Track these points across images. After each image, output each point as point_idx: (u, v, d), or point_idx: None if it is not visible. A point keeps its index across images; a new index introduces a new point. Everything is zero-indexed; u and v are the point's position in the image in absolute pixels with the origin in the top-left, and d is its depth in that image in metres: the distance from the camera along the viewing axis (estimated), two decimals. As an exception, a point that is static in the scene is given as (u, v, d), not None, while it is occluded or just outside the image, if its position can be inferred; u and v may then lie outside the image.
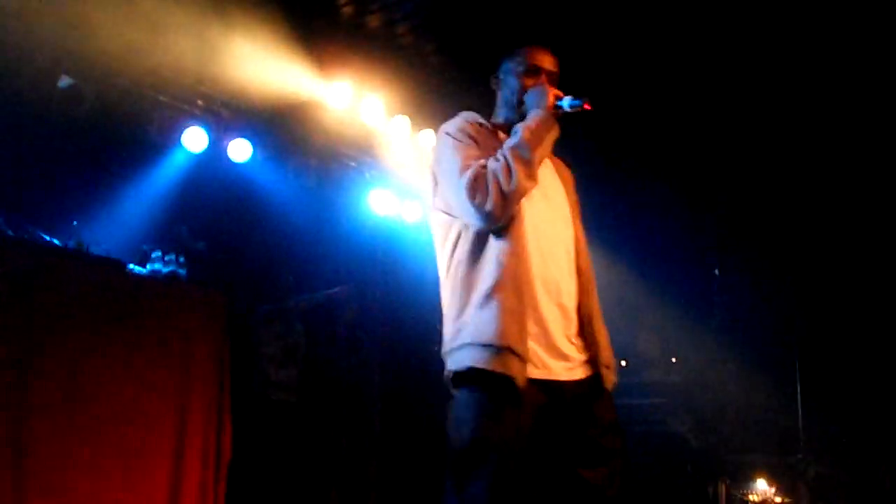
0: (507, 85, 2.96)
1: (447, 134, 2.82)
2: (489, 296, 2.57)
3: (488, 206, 2.54)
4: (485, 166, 2.61)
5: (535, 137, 2.67)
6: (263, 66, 5.97)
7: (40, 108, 5.21)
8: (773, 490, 6.66)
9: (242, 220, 6.63)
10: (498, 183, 2.56)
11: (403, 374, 7.71)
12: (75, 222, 5.14)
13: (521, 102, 2.88)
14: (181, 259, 5.51)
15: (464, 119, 2.87)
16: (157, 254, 5.43)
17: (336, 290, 6.67)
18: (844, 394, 6.77)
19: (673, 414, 8.02)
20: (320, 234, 7.02)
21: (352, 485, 6.95)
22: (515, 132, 2.70)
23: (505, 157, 2.61)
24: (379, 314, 7.66)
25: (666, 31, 6.12)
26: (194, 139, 6.01)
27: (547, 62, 2.97)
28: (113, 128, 5.68)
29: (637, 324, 8.18)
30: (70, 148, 5.56)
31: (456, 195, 2.63)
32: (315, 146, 6.80)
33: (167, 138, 5.92)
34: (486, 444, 2.51)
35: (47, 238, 4.93)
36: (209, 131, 6.10)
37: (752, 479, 6.82)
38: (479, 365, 2.53)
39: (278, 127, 6.53)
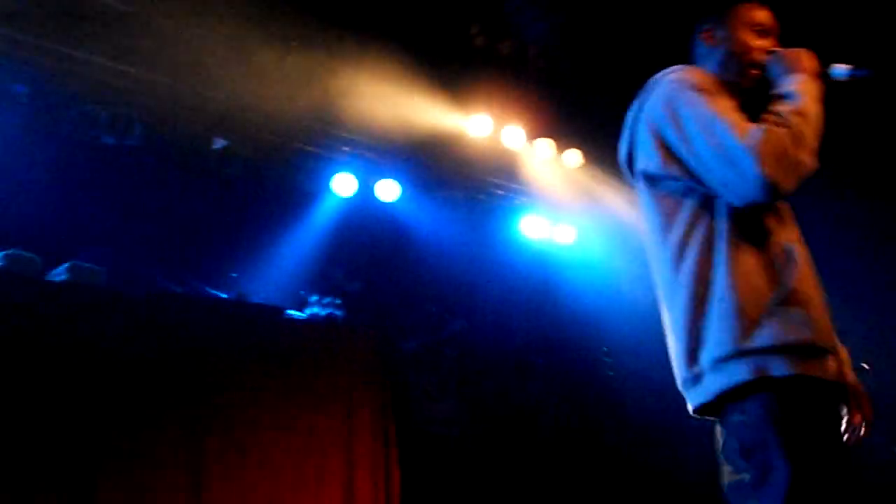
0: (731, 41, 2.43)
1: (691, 86, 2.22)
2: (796, 290, 2.11)
3: (782, 177, 2.03)
4: (773, 130, 2.08)
5: (819, 109, 2.21)
6: (401, 104, 6.10)
7: (197, 169, 5.54)
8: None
9: (395, 258, 6.75)
10: (794, 151, 2.06)
11: (578, 401, 7.55)
12: (234, 274, 5.40)
13: (751, 64, 2.39)
14: (338, 301, 5.66)
15: (699, 71, 2.34)
16: (314, 298, 5.61)
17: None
18: None
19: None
20: (475, 265, 7.03)
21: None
22: (793, 96, 2.20)
23: (796, 126, 2.10)
24: (547, 340, 7.56)
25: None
26: (343, 184, 6.21)
27: (774, 22, 2.49)
28: (265, 181, 5.96)
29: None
30: (227, 204, 5.87)
31: (728, 159, 2.06)
32: (461, 178, 6.84)
33: (317, 186, 6.15)
34: (834, 467, 2.04)
35: (210, 291, 5.20)
36: (357, 175, 6.28)
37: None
38: (808, 372, 2.04)
39: (423, 163, 6.63)
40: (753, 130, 2.07)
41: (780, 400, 2.02)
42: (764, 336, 2.05)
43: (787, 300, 2.09)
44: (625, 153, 2.41)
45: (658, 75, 2.37)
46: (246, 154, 5.82)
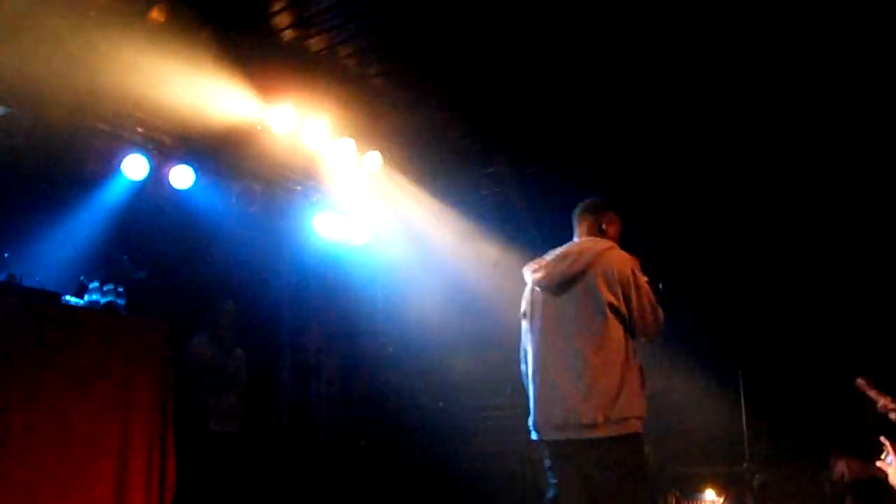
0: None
1: (639, 272, 3.97)
2: (643, 385, 3.85)
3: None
4: None
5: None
6: (204, 91, 5.93)
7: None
8: (721, 499, 6.79)
9: (185, 247, 6.55)
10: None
11: (358, 401, 7.66)
12: (6, 255, 5.04)
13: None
14: (120, 289, 5.42)
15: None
16: (94, 284, 5.34)
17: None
18: (785, 406, 6.92)
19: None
20: (266, 260, 6.96)
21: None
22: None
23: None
24: (337, 342, 7.61)
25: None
26: (134, 167, 5.94)
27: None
28: (49, 156, 5.59)
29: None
30: (5, 178, 5.45)
31: (656, 316, 3.93)
32: (259, 171, 6.75)
33: (106, 167, 5.84)
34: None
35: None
36: (150, 158, 6.04)
37: (700, 490, 6.93)
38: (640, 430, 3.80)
39: (221, 152, 6.48)
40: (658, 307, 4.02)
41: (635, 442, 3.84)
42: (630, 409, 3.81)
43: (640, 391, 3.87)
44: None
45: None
46: (29, 125, 5.42)
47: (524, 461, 6.91)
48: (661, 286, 4.08)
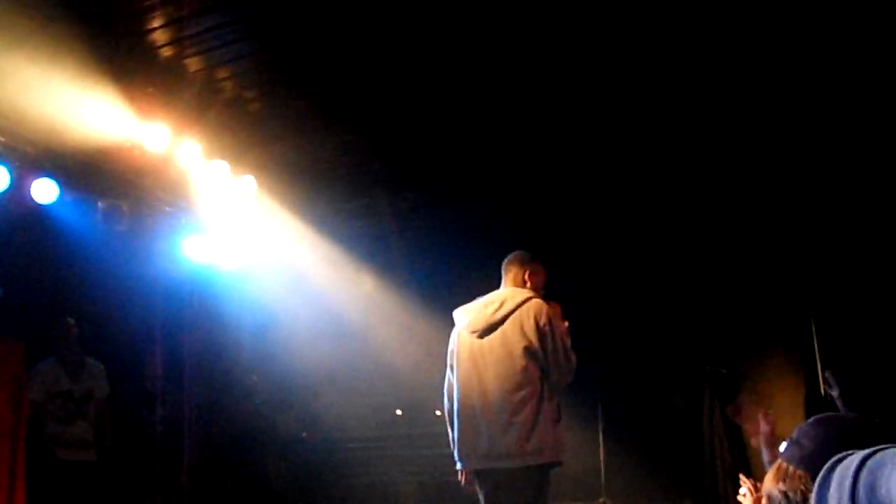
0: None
1: (556, 319, 4.49)
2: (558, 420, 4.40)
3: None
4: None
5: None
6: (73, 103, 5.72)
7: None
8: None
9: (45, 265, 6.24)
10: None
11: (216, 425, 7.45)
12: None
13: None
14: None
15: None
16: (-54, 299, 5.02)
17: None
18: (643, 441, 7.22)
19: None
20: (131, 282, 6.71)
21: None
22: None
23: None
24: (190, 366, 7.38)
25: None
26: (-7, 177, 5.64)
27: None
28: None
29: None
30: None
31: (569, 359, 4.43)
32: (128, 189, 6.53)
33: (-37, 176, 5.52)
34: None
35: None
36: (10, 170, 5.74)
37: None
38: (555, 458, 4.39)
39: (88, 168, 6.24)
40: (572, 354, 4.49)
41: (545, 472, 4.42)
42: (549, 446, 4.39)
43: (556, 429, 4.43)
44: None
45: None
46: None
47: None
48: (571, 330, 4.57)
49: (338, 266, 7.55)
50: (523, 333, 4.37)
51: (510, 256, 4.73)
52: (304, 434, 8.03)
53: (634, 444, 7.19)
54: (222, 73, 6.38)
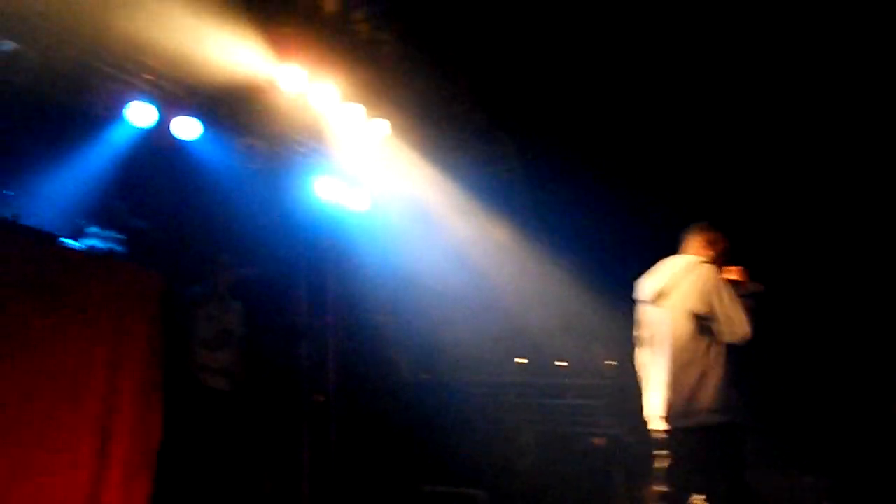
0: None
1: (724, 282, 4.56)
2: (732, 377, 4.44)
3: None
4: None
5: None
6: (215, 44, 5.86)
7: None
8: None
9: (186, 199, 6.49)
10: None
11: (354, 369, 7.65)
12: (11, 192, 4.98)
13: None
14: (120, 236, 5.37)
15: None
16: (94, 229, 5.29)
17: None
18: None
19: (609, 415, 8.17)
20: (265, 218, 6.90)
21: (286, 475, 6.88)
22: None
23: None
24: (332, 305, 7.57)
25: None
26: (140, 113, 5.86)
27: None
28: (55, 97, 5.51)
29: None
30: (9, 113, 5.37)
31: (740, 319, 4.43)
32: (265, 129, 6.68)
33: (112, 111, 5.77)
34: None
35: (-21, 207, 4.76)
36: (157, 106, 5.96)
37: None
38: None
39: (228, 106, 6.41)
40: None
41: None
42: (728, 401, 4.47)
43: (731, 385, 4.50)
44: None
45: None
46: (37, 63, 5.34)
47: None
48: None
49: (465, 211, 7.54)
50: (692, 298, 4.54)
51: (693, 226, 4.86)
52: (425, 375, 8.14)
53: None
54: (358, 16, 6.42)
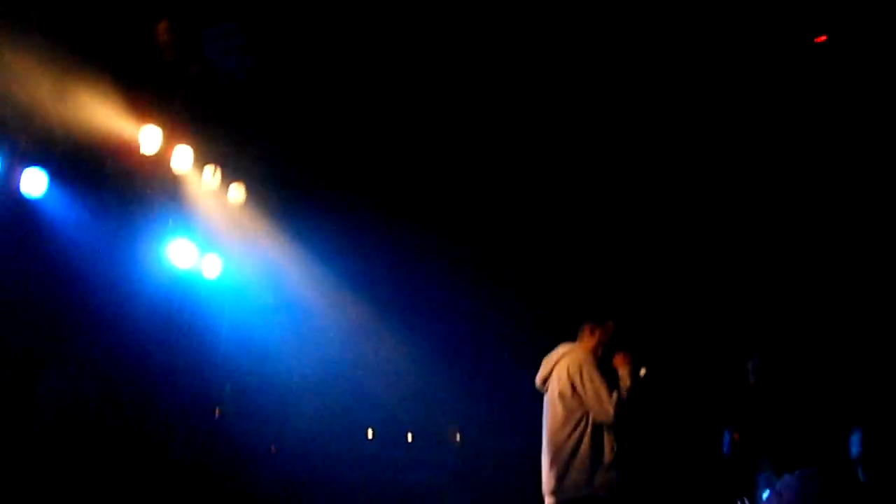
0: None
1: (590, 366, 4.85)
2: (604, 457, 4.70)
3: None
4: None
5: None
6: (71, 97, 5.73)
7: None
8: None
9: (30, 258, 6.15)
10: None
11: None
12: None
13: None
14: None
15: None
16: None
17: None
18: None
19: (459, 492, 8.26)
20: (115, 280, 6.64)
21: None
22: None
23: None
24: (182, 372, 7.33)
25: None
26: (-16, 166, 5.58)
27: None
28: None
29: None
30: None
31: (601, 402, 4.72)
32: (118, 187, 6.50)
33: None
34: None
35: None
36: (2, 158, 5.69)
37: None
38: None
39: (80, 163, 6.20)
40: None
41: None
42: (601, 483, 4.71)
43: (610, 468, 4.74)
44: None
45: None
46: None
47: None
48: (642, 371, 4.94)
49: (319, 281, 7.55)
50: (562, 382, 4.85)
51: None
52: (273, 449, 7.97)
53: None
54: (220, 82, 6.44)
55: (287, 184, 7.22)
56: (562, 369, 4.87)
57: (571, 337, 5.10)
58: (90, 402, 6.16)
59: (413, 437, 8.86)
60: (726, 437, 4.99)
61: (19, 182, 5.82)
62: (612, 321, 5.10)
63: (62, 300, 6.21)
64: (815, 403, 4.80)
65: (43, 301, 6.10)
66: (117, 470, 6.38)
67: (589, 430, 4.73)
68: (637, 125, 6.43)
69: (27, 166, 5.84)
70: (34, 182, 5.88)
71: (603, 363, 4.90)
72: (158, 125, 6.35)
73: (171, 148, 6.52)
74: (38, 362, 5.92)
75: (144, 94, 6.24)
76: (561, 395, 4.81)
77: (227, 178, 6.96)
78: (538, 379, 5.04)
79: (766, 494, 4.61)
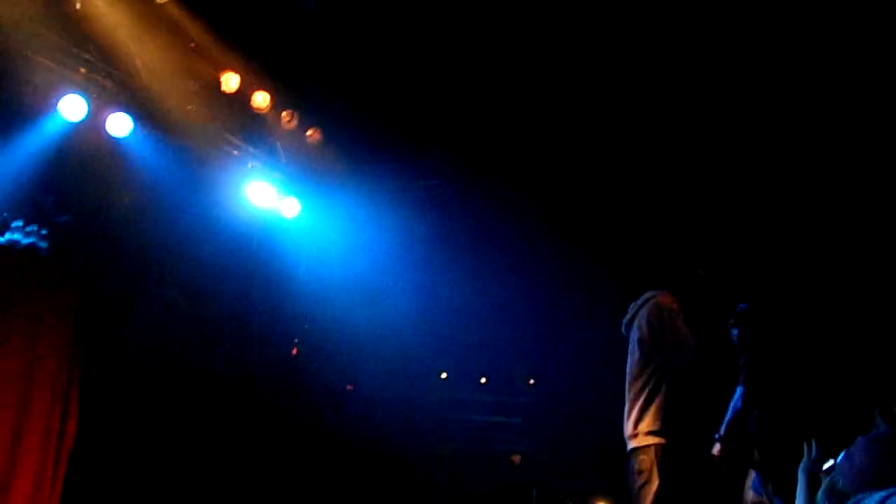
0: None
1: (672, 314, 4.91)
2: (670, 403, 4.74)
3: None
4: None
5: None
6: (153, 40, 5.80)
7: None
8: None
9: (115, 197, 6.34)
10: None
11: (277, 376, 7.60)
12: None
13: None
14: (43, 231, 5.24)
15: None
16: (17, 223, 5.15)
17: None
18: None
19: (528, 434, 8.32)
20: (195, 220, 6.80)
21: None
22: None
23: None
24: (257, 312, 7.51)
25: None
26: (72, 107, 5.72)
27: None
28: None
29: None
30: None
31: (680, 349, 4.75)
32: (198, 128, 6.59)
33: (43, 103, 5.62)
34: None
35: None
36: (89, 101, 5.83)
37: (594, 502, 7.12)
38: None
39: (162, 104, 6.30)
40: None
41: None
42: None
43: None
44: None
45: None
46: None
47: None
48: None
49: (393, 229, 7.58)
50: (641, 328, 4.89)
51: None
52: (349, 387, 8.13)
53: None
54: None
55: (365, 127, 7.17)
56: (643, 315, 4.89)
57: (659, 285, 5.07)
58: (175, 341, 6.33)
59: (487, 380, 8.94)
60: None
61: (105, 123, 5.98)
62: (701, 270, 5.07)
63: (147, 240, 6.39)
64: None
65: (129, 241, 6.30)
66: (201, 407, 6.63)
67: (666, 376, 4.73)
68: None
69: (111, 108, 5.99)
70: (119, 123, 6.03)
71: (687, 312, 4.89)
72: (238, 69, 6.38)
73: (252, 91, 6.54)
74: (126, 302, 6.11)
75: (225, 35, 6.24)
76: (640, 341, 4.84)
77: (306, 121, 6.95)
78: (623, 323, 5.09)
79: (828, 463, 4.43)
